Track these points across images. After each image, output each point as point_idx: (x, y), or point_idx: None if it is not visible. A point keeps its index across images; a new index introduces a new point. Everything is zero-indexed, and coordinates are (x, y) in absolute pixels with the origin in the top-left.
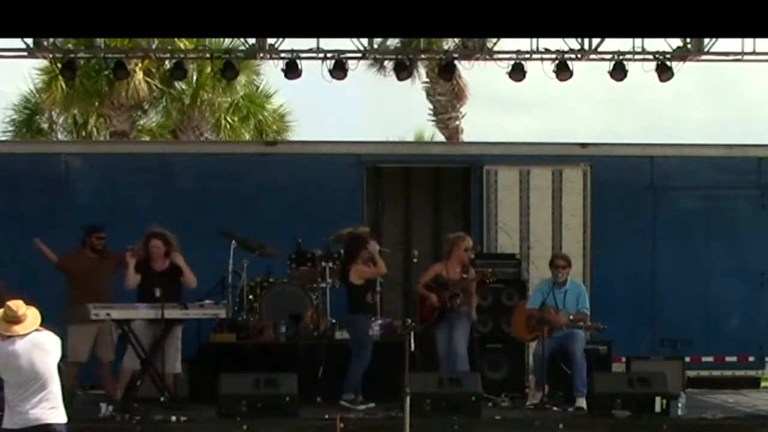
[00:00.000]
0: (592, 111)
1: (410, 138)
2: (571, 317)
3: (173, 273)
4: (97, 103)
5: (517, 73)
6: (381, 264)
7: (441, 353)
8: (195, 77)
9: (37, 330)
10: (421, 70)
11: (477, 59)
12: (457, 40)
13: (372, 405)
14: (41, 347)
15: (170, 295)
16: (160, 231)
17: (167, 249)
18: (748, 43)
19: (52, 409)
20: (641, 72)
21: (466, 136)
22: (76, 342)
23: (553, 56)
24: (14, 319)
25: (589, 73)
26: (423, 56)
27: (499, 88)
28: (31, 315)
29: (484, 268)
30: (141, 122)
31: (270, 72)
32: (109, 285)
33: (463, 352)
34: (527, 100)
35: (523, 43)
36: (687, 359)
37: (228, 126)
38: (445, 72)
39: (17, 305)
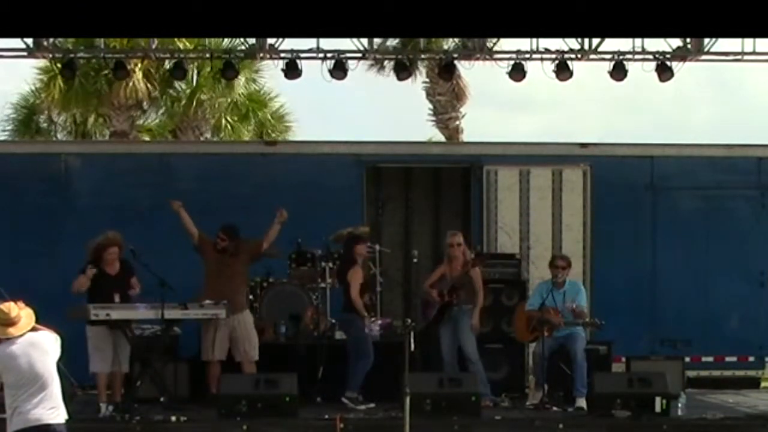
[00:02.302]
0: (595, 111)
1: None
2: (575, 306)
3: (124, 275)
4: (96, 103)
5: (517, 73)
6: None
7: (445, 352)
8: (195, 77)
9: (34, 330)
10: (421, 70)
11: (477, 59)
12: (457, 40)
13: (372, 405)
14: (39, 347)
15: (124, 297)
16: (117, 239)
17: (120, 253)
18: (748, 43)
19: (53, 409)
20: (641, 72)
21: (466, 136)
22: (207, 340)
23: (553, 56)
24: (8, 322)
25: (593, 73)
26: (423, 56)
27: (503, 87)
28: (25, 315)
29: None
30: (140, 122)
31: (270, 73)
32: (242, 280)
33: (473, 349)
34: (532, 100)
35: (523, 43)
36: (687, 359)
37: (228, 126)
38: (445, 72)
39: (9, 307)
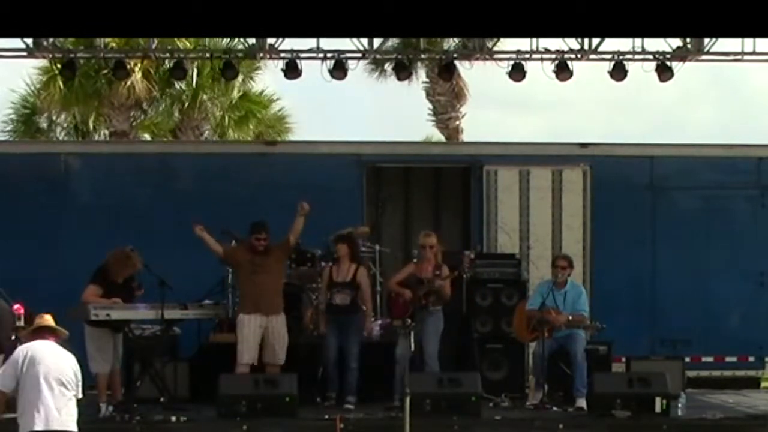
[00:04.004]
0: (596, 111)
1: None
2: (570, 318)
3: (128, 284)
4: (96, 103)
5: (517, 73)
6: None
7: (401, 351)
8: (195, 77)
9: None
10: (421, 70)
11: (477, 59)
12: (457, 40)
13: (353, 399)
14: (62, 356)
15: (127, 301)
16: (136, 263)
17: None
18: (748, 43)
19: (70, 416)
20: (641, 72)
21: (466, 136)
22: (241, 343)
23: (553, 56)
24: (44, 323)
25: (595, 73)
26: (423, 56)
27: (503, 87)
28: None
29: (461, 265)
30: (140, 120)
31: (271, 73)
32: (279, 279)
33: (433, 351)
34: (532, 100)
35: (523, 43)
36: (687, 359)
37: (228, 126)
38: (445, 72)
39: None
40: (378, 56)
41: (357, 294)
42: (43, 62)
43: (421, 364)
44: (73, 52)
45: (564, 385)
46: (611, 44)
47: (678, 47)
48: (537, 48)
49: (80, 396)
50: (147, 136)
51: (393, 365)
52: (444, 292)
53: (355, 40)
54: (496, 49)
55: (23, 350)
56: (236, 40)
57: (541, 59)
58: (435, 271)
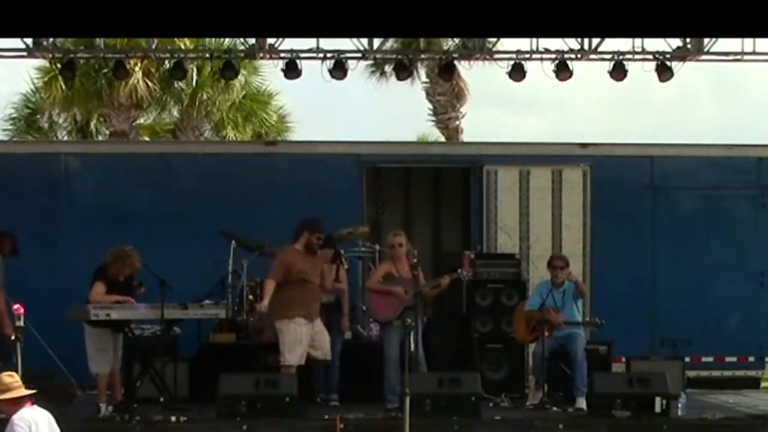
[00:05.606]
0: (596, 111)
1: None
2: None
3: (129, 283)
4: (97, 103)
5: (517, 73)
6: None
7: (396, 353)
8: (195, 77)
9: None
10: (421, 70)
11: (477, 59)
12: (457, 40)
13: (335, 397)
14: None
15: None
16: (137, 263)
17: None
18: (748, 43)
19: None
20: (641, 72)
21: (466, 136)
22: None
23: (553, 56)
24: (13, 386)
25: (595, 72)
26: (423, 56)
27: (503, 87)
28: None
29: (461, 271)
30: (140, 120)
31: (271, 73)
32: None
33: (422, 350)
34: (532, 100)
35: (523, 43)
36: (687, 359)
37: (228, 125)
38: (445, 72)
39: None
40: (378, 56)
41: (340, 293)
42: (43, 62)
43: (416, 365)
44: (73, 52)
45: (564, 385)
46: (611, 44)
47: (678, 47)
48: (537, 48)
49: None
50: (146, 136)
51: None
52: (432, 294)
53: (355, 40)
54: (496, 49)
55: (27, 422)
56: (236, 40)
57: (541, 59)
58: (413, 271)
